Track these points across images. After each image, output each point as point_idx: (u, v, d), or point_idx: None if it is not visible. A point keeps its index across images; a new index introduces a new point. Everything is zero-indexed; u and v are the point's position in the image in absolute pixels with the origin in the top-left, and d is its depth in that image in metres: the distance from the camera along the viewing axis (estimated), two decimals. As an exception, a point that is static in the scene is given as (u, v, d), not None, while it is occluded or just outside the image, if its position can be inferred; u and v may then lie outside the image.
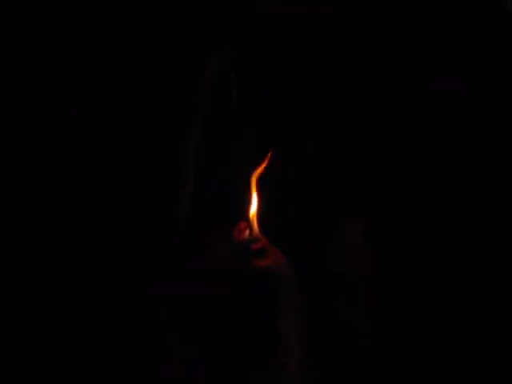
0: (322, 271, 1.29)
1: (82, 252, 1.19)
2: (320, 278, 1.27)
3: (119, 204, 1.20)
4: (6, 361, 1.17)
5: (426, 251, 1.32)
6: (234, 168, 1.21)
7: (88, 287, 1.20)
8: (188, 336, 1.11)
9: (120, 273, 1.19)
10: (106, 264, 1.19)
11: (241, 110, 1.27)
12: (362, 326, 1.26)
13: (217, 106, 1.27)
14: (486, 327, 1.28)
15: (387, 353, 1.25)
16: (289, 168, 1.32)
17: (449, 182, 1.35)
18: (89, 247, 1.19)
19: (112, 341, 1.18)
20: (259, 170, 1.21)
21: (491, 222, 1.32)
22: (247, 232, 1.16)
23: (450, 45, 1.35)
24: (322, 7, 1.33)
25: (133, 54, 1.24)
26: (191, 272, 1.15)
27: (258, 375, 1.08)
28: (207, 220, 1.26)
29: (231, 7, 1.27)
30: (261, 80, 1.35)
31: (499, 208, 1.33)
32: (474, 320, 1.29)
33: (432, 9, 1.34)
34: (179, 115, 1.24)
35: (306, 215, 1.33)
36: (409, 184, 1.35)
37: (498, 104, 1.34)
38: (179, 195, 1.23)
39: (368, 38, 1.35)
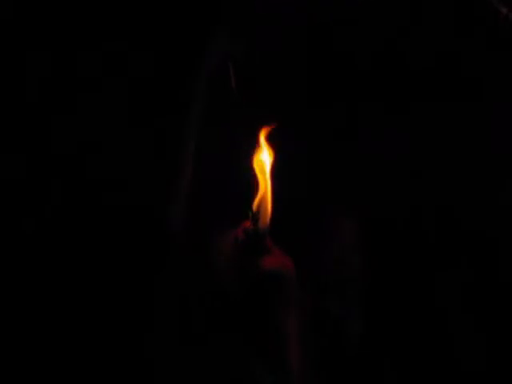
0: (319, 270, 1.29)
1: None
2: (316, 278, 1.28)
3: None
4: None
5: (422, 251, 1.33)
6: (236, 158, 1.20)
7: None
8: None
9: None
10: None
11: (241, 98, 1.25)
12: (356, 326, 1.27)
13: (217, 93, 1.26)
14: (479, 327, 1.30)
15: (380, 352, 1.26)
16: (288, 167, 1.32)
17: (446, 183, 1.36)
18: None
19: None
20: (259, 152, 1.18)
21: (487, 222, 1.34)
22: (251, 230, 1.15)
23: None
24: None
25: (133, 44, 1.24)
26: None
27: (261, 372, 1.09)
28: (209, 214, 1.26)
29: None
30: (260, 68, 1.34)
31: (496, 208, 1.35)
32: (468, 320, 1.31)
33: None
34: (178, 105, 1.24)
35: (304, 214, 1.33)
36: (407, 184, 1.36)
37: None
38: (177, 187, 1.22)
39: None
